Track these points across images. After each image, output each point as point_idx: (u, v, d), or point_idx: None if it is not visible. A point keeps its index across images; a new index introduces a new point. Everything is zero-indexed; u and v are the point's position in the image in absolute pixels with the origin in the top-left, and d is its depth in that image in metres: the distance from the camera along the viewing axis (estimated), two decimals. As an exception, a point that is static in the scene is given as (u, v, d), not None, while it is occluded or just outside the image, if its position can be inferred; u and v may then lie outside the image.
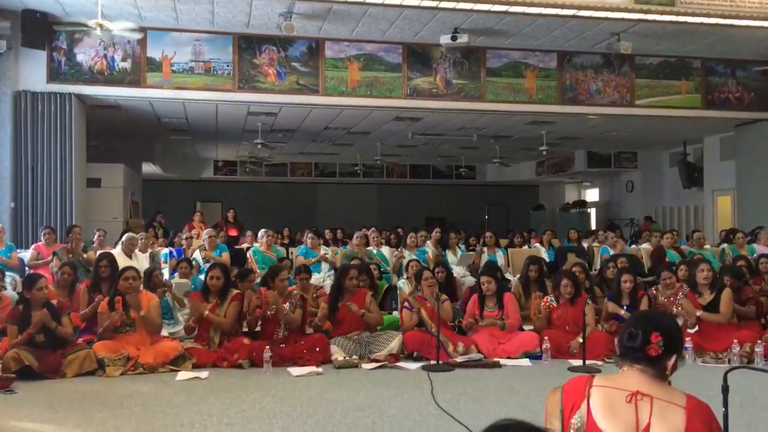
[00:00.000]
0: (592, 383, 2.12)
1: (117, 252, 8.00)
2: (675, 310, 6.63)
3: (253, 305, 6.22)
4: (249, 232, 10.79)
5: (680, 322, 6.65)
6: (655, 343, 2.09)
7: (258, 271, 8.31)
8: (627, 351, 2.15)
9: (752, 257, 8.65)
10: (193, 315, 6.23)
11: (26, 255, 8.37)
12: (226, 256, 8.84)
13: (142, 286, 6.82)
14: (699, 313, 6.30)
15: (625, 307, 6.57)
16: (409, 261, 7.81)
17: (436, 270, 7.36)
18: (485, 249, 9.90)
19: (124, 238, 8.32)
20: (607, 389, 2.09)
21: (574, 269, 7.22)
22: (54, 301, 5.82)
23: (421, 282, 6.62)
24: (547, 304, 6.63)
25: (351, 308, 6.25)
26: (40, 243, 8.42)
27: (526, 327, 6.85)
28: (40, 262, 8.08)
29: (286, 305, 6.19)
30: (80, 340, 6.00)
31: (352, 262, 7.51)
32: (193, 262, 8.64)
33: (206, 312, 6.10)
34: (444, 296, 6.65)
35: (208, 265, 7.59)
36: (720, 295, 6.37)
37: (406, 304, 6.55)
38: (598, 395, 2.08)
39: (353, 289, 6.50)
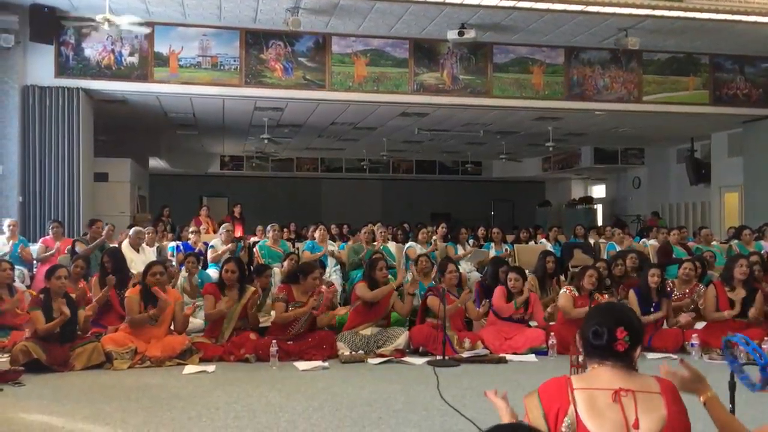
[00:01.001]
0: (573, 386, 2.11)
1: (124, 246, 8.04)
2: (689, 306, 6.62)
3: (307, 306, 6.11)
4: (259, 227, 10.81)
5: (688, 317, 6.64)
6: (622, 339, 2.12)
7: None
8: (594, 350, 2.16)
9: (761, 254, 8.62)
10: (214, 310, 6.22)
11: (34, 248, 8.41)
12: (243, 256, 8.87)
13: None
14: (751, 314, 6.21)
15: (654, 304, 6.47)
16: (419, 256, 7.81)
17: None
18: (492, 244, 9.94)
19: (131, 232, 8.36)
20: (588, 391, 2.10)
21: (598, 264, 7.17)
22: (73, 295, 5.86)
23: (445, 274, 6.60)
24: (571, 293, 6.58)
25: (377, 294, 6.29)
26: (48, 237, 8.46)
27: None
28: (47, 254, 8.12)
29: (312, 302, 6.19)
30: (88, 333, 6.03)
31: (375, 257, 7.50)
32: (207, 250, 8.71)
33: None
34: (470, 293, 6.67)
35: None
36: (755, 295, 6.32)
37: (432, 291, 6.52)
38: (581, 398, 2.08)
39: (384, 281, 6.47)
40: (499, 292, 6.64)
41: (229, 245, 8.75)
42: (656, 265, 7.00)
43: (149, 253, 8.37)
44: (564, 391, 2.11)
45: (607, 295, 6.59)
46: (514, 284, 6.55)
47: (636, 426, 2.02)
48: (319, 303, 6.14)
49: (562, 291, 6.72)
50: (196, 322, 7.06)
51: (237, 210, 13.51)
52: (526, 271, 7.77)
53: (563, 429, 2.07)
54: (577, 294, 6.55)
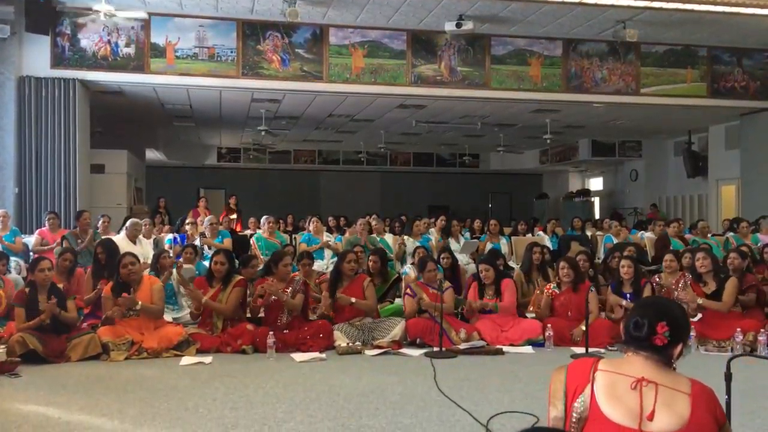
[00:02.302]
0: (597, 367, 2.11)
1: (121, 238, 8.03)
2: (677, 294, 6.65)
3: (255, 296, 6.22)
4: (252, 219, 10.82)
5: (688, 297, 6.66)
6: (662, 333, 2.07)
7: (261, 257, 8.33)
8: (632, 340, 2.12)
9: (756, 246, 8.65)
10: (193, 301, 6.25)
11: (30, 240, 8.39)
12: (228, 242, 8.86)
13: (149, 270, 6.86)
14: (700, 300, 6.27)
15: (628, 296, 6.54)
16: (416, 248, 7.81)
17: (442, 256, 7.35)
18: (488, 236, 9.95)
19: (128, 224, 8.34)
20: (611, 374, 2.08)
21: (578, 257, 7.21)
22: (60, 285, 5.85)
23: (424, 272, 6.61)
24: (550, 291, 6.63)
25: (341, 300, 6.28)
26: (44, 228, 8.45)
27: (529, 315, 6.86)
28: (45, 247, 8.10)
29: (288, 291, 6.18)
30: (84, 325, 6.04)
31: (366, 248, 7.51)
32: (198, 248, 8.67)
33: (204, 298, 6.10)
34: (447, 283, 6.65)
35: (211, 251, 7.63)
36: (725, 284, 6.35)
37: (408, 291, 6.56)
38: (602, 380, 2.07)
39: (351, 274, 6.48)
40: (472, 287, 6.67)
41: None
42: (629, 256, 7.02)
43: (146, 245, 8.36)
44: (587, 370, 2.10)
45: (592, 287, 6.60)
46: (484, 275, 6.56)
47: (650, 418, 1.98)
48: (295, 289, 6.17)
49: (545, 293, 6.74)
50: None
51: (232, 201, 13.48)
52: (516, 266, 7.80)
53: (576, 405, 2.07)
54: (557, 291, 6.59)
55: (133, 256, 6.11)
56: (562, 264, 6.59)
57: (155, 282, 6.18)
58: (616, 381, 2.06)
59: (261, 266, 7.63)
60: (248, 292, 6.43)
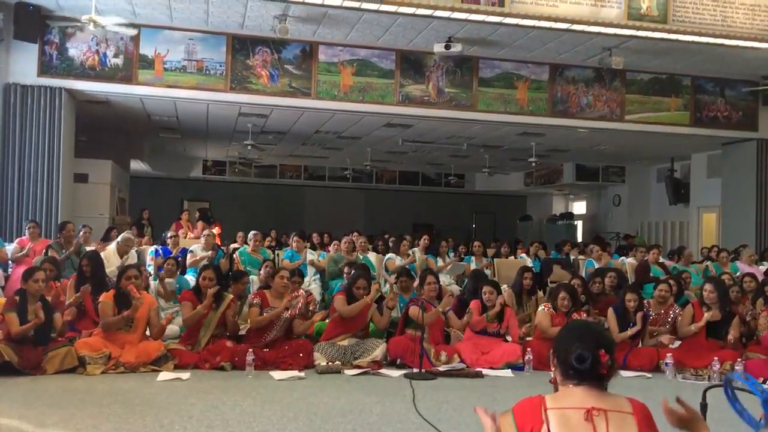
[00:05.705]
0: (546, 406, 2.13)
1: (112, 251, 7.99)
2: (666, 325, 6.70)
3: (281, 308, 6.09)
4: (240, 233, 10.80)
5: (666, 340, 6.66)
6: (605, 362, 2.12)
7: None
8: (576, 372, 2.15)
9: (735, 275, 8.73)
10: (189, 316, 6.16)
11: (10, 248, 8.29)
12: (224, 263, 8.82)
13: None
14: (730, 336, 6.39)
15: (632, 324, 6.51)
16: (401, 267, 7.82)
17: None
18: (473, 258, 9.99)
19: (120, 239, 8.28)
20: (561, 410, 2.10)
21: (573, 282, 7.21)
22: (48, 298, 5.80)
23: (423, 286, 6.62)
24: (549, 310, 6.59)
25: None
26: (24, 237, 8.35)
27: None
28: (20, 254, 7.99)
29: (292, 312, 6.12)
30: (64, 336, 5.95)
31: (357, 273, 7.46)
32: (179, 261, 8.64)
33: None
34: (452, 297, 6.68)
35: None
36: (731, 319, 6.46)
37: (412, 302, 6.50)
38: (555, 418, 2.09)
39: (362, 297, 6.43)
40: (473, 305, 6.67)
41: (209, 252, 8.73)
42: (634, 287, 7.03)
43: (132, 257, 8.29)
44: (537, 410, 2.12)
45: (584, 314, 6.61)
46: (488, 297, 6.58)
47: None
48: (293, 305, 6.11)
49: (540, 308, 6.75)
50: (173, 328, 6.99)
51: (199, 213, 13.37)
52: (504, 286, 7.81)
53: None
54: (554, 312, 6.59)
55: (136, 269, 6.12)
56: (562, 294, 6.53)
57: (153, 303, 6.18)
58: (568, 416, 2.09)
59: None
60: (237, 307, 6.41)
